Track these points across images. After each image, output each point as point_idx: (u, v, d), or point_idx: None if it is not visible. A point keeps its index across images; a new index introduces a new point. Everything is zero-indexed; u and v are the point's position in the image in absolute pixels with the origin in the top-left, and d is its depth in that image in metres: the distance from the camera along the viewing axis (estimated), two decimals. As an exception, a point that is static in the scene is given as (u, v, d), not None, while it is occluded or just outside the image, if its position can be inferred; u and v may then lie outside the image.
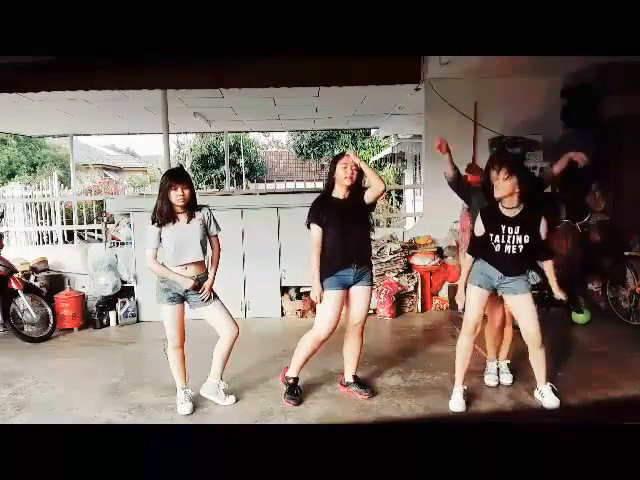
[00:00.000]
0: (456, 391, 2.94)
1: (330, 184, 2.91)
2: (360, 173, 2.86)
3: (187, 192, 2.78)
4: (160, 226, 2.82)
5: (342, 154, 2.91)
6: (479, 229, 2.79)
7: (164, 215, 2.80)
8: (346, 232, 2.85)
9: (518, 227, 2.67)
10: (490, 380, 3.25)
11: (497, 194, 2.69)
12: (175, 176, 2.80)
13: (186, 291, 2.90)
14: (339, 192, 2.89)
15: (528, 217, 2.69)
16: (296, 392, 3.09)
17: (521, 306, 2.81)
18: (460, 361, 2.93)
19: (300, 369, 3.10)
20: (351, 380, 3.16)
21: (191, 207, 2.87)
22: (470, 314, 2.87)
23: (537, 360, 2.89)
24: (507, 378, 3.27)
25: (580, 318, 4.46)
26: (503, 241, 2.70)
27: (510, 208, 2.70)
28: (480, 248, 2.80)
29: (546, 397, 2.87)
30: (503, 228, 2.68)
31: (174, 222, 2.83)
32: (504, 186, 2.63)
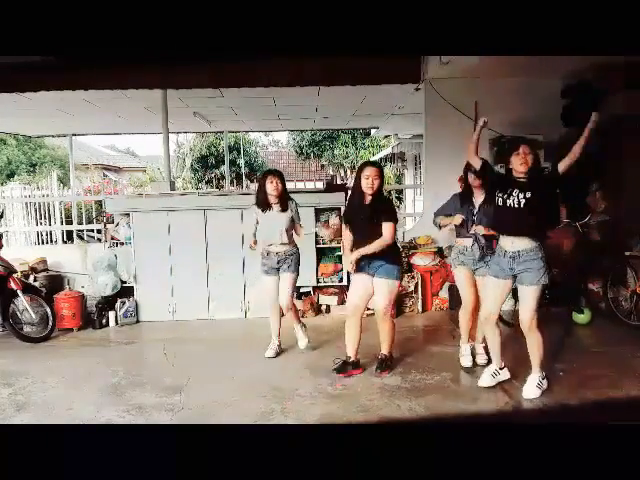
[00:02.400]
0: (491, 369, 3.16)
1: (358, 192, 3.37)
2: (381, 181, 3.34)
3: (280, 186, 3.59)
4: (262, 210, 3.64)
5: (363, 165, 3.39)
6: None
7: (260, 201, 3.63)
8: (362, 231, 3.38)
9: (522, 188, 2.90)
10: (465, 361, 3.56)
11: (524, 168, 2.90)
12: (272, 171, 3.71)
13: (277, 262, 3.70)
14: (365, 198, 3.37)
15: (535, 183, 2.91)
16: (345, 368, 3.43)
17: (523, 296, 2.98)
18: (493, 343, 3.15)
19: (351, 350, 3.48)
20: (379, 357, 3.52)
21: (283, 200, 3.63)
22: (488, 304, 3.10)
23: (529, 344, 3.04)
24: (482, 358, 3.55)
25: (581, 318, 4.45)
26: (505, 197, 2.93)
27: (521, 174, 2.92)
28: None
29: (527, 385, 3.02)
30: (509, 189, 2.93)
31: (269, 210, 3.64)
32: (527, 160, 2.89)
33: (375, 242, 3.27)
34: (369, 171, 3.29)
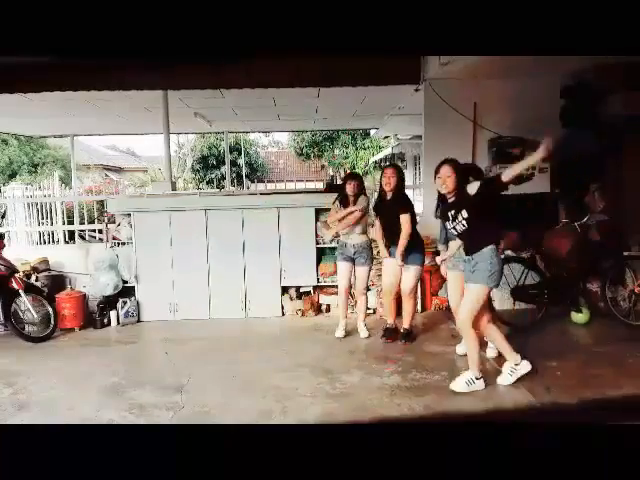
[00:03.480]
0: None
1: (381, 190, 4.08)
2: (399, 180, 3.96)
3: (356, 187, 4.23)
4: (342, 206, 4.30)
5: (383, 168, 4.06)
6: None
7: (341, 199, 4.32)
8: (387, 223, 4.05)
9: (457, 207, 3.06)
10: (459, 349, 3.81)
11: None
12: (350, 176, 4.38)
13: (354, 253, 4.26)
14: (387, 195, 4.04)
15: (461, 201, 3.05)
16: (390, 333, 4.17)
17: (465, 293, 3.12)
18: (467, 348, 3.22)
19: (391, 318, 4.25)
20: (402, 330, 4.16)
21: (356, 196, 4.24)
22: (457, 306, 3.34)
23: (465, 342, 3.24)
24: (491, 351, 3.72)
25: (579, 318, 4.46)
26: (452, 222, 3.11)
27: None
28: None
29: (457, 378, 3.14)
30: (450, 211, 3.11)
31: (346, 205, 4.27)
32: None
33: (401, 239, 3.89)
34: (386, 171, 3.99)
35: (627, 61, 4.44)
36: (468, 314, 3.02)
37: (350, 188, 4.23)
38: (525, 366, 3.21)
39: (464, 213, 2.99)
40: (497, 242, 3.07)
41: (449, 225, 3.15)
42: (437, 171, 3.13)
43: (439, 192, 3.32)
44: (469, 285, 3.06)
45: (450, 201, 3.10)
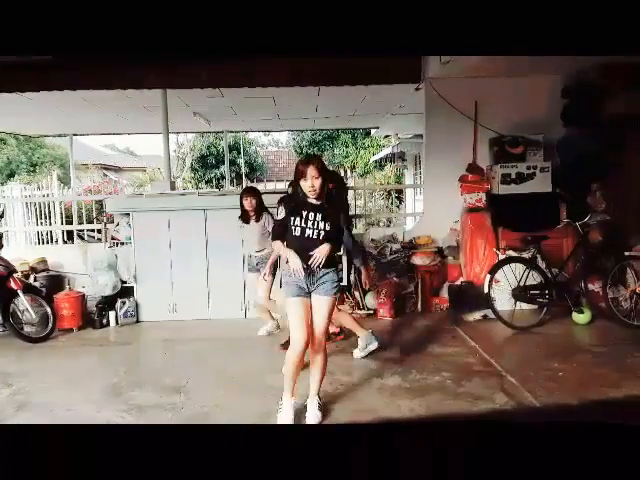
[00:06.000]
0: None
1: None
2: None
3: (254, 202, 4.15)
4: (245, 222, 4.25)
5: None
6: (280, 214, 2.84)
7: (241, 216, 4.25)
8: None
9: (320, 214, 2.71)
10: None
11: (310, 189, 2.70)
12: (247, 190, 4.28)
13: (257, 264, 4.33)
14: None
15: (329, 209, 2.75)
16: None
17: (319, 306, 2.79)
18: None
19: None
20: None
21: (257, 213, 4.18)
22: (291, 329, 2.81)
23: (316, 365, 2.86)
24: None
25: (581, 318, 4.44)
26: (303, 224, 2.70)
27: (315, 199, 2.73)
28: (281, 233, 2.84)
29: (309, 409, 2.85)
30: (304, 213, 2.71)
31: (248, 222, 4.25)
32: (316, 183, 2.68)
33: None
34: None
35: (628, 61, 4.44)
36: (327, 326, 2.87)
37: (247, 204, 4.13)
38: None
39: (327, 225, 2.70)
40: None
41: (296, 223, 2.71)
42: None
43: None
44: (325, 299, 2.77)
45: (314, 203, 2.71)
